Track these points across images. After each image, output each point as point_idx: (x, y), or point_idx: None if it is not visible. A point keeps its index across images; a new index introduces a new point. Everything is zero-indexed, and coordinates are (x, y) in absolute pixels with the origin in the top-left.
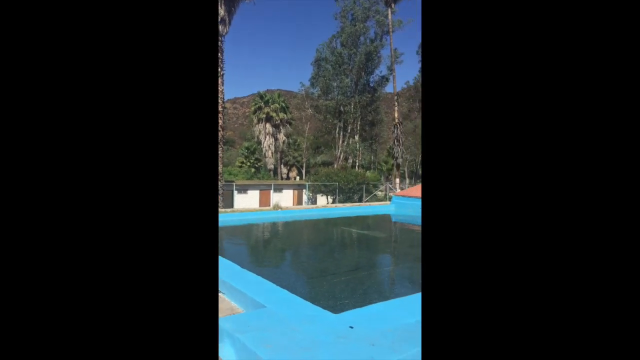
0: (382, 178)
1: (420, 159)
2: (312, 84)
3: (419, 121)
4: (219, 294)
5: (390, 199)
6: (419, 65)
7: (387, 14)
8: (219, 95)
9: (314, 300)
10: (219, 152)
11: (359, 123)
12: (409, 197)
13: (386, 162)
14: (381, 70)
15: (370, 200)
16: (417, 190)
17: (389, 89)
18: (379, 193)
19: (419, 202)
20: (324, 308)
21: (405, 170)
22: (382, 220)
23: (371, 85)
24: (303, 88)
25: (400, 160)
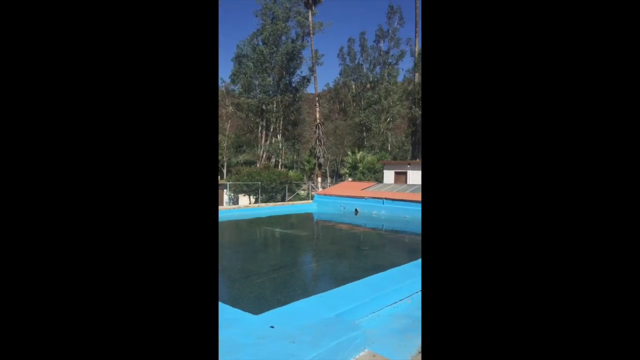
0: (305, 177)
1: (340, 158)
2: (233, 81)
3: (339, 122)
4: None
5: (312, 197)
6: (340, 67)
7: (308, 16)
8: None
9: (235, 303)
10: None
11: (281, 122)
12: (330, 195)
13: (308, 162)
14: (302, 70)
15: (293, 199)
16: (338, 188)
17: (310, 89)
18: (302, 192)
19: (339, 200)
20: (245, 310)
21: (327, 169)
22: (305, 218)
23: (293, 85)
24: (223, 84)
25: (322, 160)
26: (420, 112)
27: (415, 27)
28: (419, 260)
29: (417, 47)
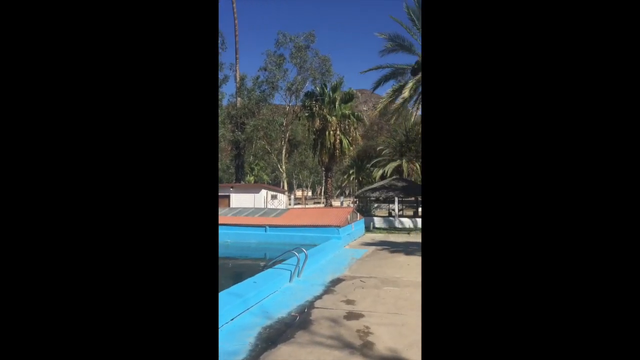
0: None
1: None
2: None
3: None
4: None
5: None
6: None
7: None
8: None
9: None
10: None
11: None
12: None
13: None
14: None
15: None
16: None
17: None
18: None
19: None
20: None
21: None
22: None
23: None
24: None
25: None
26: (244, 137)
27: (236, 54)
28: (234, 287)
29: (239, 73)
